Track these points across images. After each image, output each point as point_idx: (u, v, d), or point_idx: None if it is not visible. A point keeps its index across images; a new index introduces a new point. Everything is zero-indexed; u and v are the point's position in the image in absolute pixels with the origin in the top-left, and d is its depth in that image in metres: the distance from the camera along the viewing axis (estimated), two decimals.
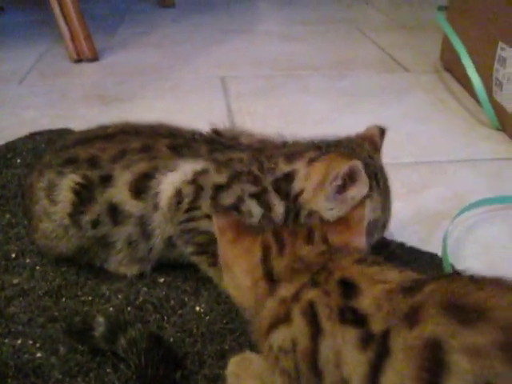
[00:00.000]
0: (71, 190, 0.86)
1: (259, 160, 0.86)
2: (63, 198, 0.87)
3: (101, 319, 0.78)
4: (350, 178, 0.78)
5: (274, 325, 0.57)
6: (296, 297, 0.56)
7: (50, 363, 0.77)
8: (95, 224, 0.87)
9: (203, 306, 0.87)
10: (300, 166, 0.84)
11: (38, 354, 0.78)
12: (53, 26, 2.12)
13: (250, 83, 1.81)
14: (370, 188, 0.81)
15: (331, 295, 0.53)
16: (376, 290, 0.51)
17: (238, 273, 0.66)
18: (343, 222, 0.68)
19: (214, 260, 0.84)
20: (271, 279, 0.62)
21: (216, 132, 0.93)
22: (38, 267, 0.95)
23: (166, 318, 0.85)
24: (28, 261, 0.96)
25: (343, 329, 0.50)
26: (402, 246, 1.02)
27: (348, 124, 1.50)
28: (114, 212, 0.86)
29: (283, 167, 0.85)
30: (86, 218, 0.87)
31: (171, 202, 0.85)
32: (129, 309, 0.87)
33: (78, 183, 0.86)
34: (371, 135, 0.91)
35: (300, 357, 0.53)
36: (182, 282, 0.91)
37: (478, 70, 1.55)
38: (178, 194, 0.84)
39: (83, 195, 0.86)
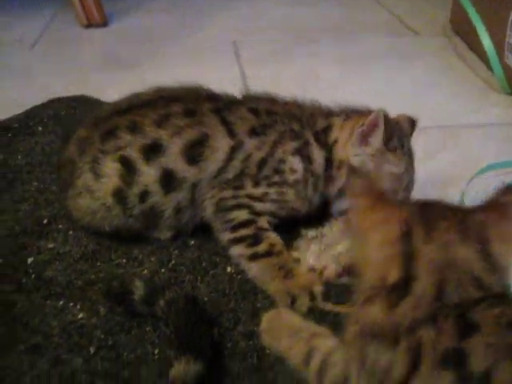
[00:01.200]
0: (119, 161, 0.87)
1: (300, 118, 0.91)
2: (109, 170, 0.87)
3: (139, 283, 0.81)
4: (373, 128, 0.85)
5: (376, 336, 0.55)
6: (410, 330, 0.52)
7: (91, 323, 0.81)
8: (144, 196, 0.88)
9: (233, 266, 0.90)
10: (336, 120, 0.92)
11: (80, 315, 0.82)
12: None
13: (262, 48, 1.82)
14: (394, 146, 0.87)
15: (444, 335, 0.50)
16: (490, 328, 0.50)
17: (371, 244, 0.60)
18: (496, 207, 0.61)
19: (253, 252, 0.87)
20: (407, 265, 0.56)
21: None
22: (70, 232, 0.97)
23: (199, 278, 0.89)
24: (60, 226, 0.99)
25: (440, 373, 0.49)
26: None
27: (361, 89, 1.53)
28: (168, 179, 0.87)
29: (322, 122, 0.92)
30: (135, 191, 0.87)
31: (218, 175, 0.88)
32: (163, 270, 0.90)
33: (125, 153, 0.87)
34: (401, 120, 0.95)
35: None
36: (211, 244, 0.94)
37: (490, 35, 1.56)
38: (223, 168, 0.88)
39: (131, 166, 0.87)
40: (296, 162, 0.88)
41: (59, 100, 1.40)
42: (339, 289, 0.87)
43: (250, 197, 0.88)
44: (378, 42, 1.89)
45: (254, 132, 0.88)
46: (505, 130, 1.36)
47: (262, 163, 0.88)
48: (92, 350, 0.77)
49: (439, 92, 1.54)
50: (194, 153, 0.87)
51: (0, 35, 1.93)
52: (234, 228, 0.88)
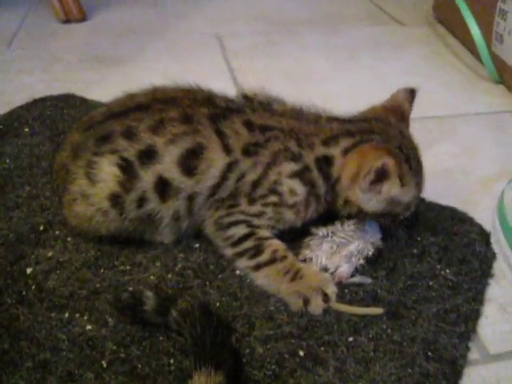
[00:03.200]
0: (117, 166, 0.83)
1: (297, 136, 0.87)
2: (106, 175, 0.84)
3: (149, 293, 0.78)
4: (382, 172, 0.81)
5: None
6: None
7: (101, 335, 0.77)
8: (141, 202, 0.85)
9: None
10: (336, 153, 0.86)
11: (88, 327, 0.78)
12: None
13: (247, 40, 1.78)
14: (403, 175, 0.83)
15: None
16: None
17: None
18: None
19: (257, 263, 0.85)
20: None
21: (246, 97, 0.93)
22: (69, 238, 0.93)
23: (208, 282, 0.86)
24: (57, 233, 0.95)
25: None
26: (422, 201, 1.04)
27: (350, 81, 1.52)
28: (164, 188, 0.84)
29: (321, 149, 0.87)
30: (132, 197, 0.84)
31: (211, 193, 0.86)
32: (169, 276, 0.87)
33: (122, 158, 0.84)
34: (398, 105, 0.93)
35: None
36: (216, 246, 0.91)
37: (477, 23, 1.56)
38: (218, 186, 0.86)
39: (128, 171, 0.84)
40: (296, 185, 0.86)
41: (44, 99, 1.34)
42: (353, 288, 0.85)
43: (246, 213, 0.86)
44: (364, 33, 1.87)
45: (247, 151, 0.85)
46: (497, 119, 1.36)
47: (256, 183, 0.85)
48: (104, 363, 0.73)
49: (429, 82, 1.53)
50: (190, 164, 0.84)
51: None
52: (235, 243, 0.87)
